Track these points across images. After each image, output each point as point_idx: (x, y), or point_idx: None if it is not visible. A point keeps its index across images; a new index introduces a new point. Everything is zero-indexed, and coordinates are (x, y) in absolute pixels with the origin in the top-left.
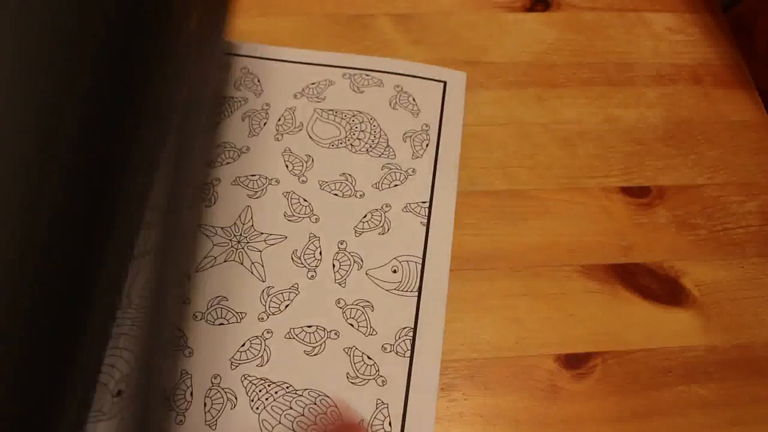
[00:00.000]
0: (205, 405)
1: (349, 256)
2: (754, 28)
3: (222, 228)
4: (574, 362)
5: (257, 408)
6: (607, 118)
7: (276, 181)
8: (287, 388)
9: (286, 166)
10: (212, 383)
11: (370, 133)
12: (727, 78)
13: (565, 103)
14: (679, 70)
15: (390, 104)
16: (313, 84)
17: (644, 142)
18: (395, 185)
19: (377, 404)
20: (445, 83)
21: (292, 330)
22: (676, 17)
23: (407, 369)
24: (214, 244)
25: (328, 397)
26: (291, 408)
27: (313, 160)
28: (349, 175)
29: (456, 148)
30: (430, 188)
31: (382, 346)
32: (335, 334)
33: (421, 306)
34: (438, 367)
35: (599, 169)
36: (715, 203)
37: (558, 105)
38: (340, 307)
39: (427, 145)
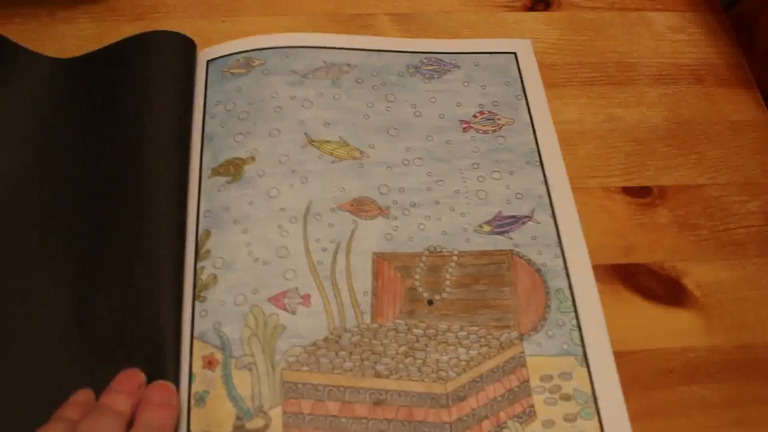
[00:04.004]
0: None
1: None
2: (755, 27)
3: None
4: None
5: None
6: (608, 117)
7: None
8: None
9: None
10: None
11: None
12: (729, 77)
13: (565, 103)
14: (680, 70)
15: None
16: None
17: (645, 142)
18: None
19: None
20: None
21: None
22: (678, 16)
23: None
24: None
25: None
26: None
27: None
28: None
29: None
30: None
31: None
32: None
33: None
34: None
35: (600, 168)
36: (716, 203)
37: (558, 105)
38: None
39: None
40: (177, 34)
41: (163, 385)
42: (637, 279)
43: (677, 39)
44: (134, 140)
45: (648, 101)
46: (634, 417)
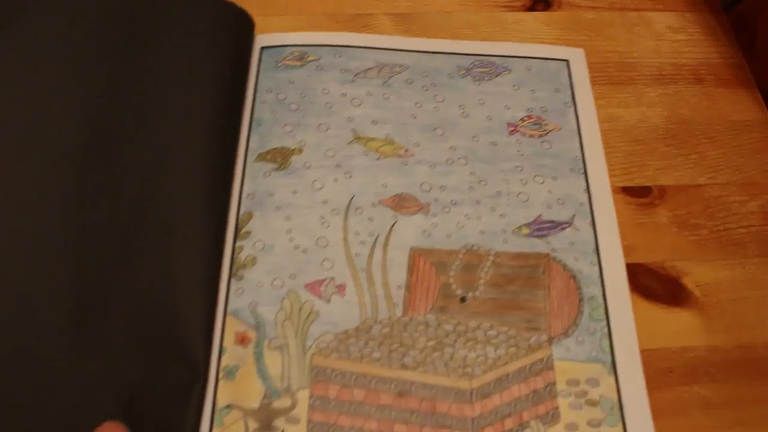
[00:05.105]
0: None
1: None
2: (755, 27)
3: None
4: None
5: None
6: (608, 117)
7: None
8: None
9: None
10: None
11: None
12: (729, 77)
13: None
14: (680, 70)
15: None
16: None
17: (645, 142)
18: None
19: None
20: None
21: None
22: (677, 16)
23: None
24: None
25: None
26: None
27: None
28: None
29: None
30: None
31: None
32: None
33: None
34: None
35: None
36: (716, 203)
37: None
38: None
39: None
40: (241, 9)
41: None
42: (637, 279)
43: (677, 39)
44: (186, 107)
45: (648, 101)
46: None
